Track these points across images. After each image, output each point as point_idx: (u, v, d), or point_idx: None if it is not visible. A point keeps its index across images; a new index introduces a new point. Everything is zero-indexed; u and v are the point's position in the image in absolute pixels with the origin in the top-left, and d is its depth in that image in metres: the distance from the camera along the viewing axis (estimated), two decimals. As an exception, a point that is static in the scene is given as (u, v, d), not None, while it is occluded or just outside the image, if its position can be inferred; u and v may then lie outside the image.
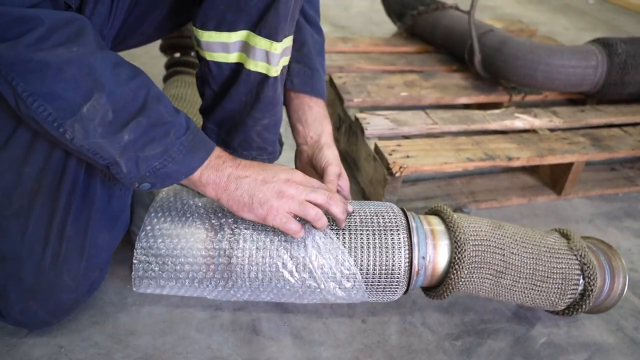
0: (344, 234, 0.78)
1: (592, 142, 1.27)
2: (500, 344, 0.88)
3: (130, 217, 0.87)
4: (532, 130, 1.32)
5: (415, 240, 0.79)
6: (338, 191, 0.91)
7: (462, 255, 0.78)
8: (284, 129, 0.99)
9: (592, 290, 0.82)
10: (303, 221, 0.76)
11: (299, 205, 0.74)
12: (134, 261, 0.77)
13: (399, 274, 0.78)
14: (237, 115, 0.88)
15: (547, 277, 0.81)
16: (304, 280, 0.77)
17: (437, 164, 1.11)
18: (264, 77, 0.82)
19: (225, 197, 0.74)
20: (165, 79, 1.47)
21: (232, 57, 0.82)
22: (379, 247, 0.78)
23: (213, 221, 0.79)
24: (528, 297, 0.83)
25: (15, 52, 0.59)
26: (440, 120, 1.27)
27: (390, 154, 1.11)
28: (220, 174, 0.73)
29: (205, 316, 0.88)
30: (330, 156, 0.92)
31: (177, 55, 1.51)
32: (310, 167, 0.96)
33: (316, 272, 0.76)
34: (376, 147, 1.15)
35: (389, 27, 2.23)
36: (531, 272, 0.81)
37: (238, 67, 0.83)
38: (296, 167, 1.01)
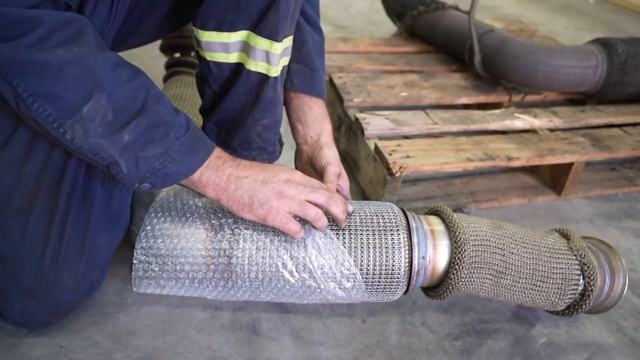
0: (344, 234, 0.78)
1: (592, 142, 1.27)
2: (500, 344, 0.88)
3: (130, 217, 0.87)
4: (532, 130, 1.32)
5: (415, 240, 0.79)
6: (338, 191, 0.91)
7: (462, 255, 0.78)
8: (284, 129, 0.99)
9: (592, 290, 0.82)
10: (303, 221, 0.76)
11: (298, 205, 0.74)
12: (134, 261, 0.77)
13: (399, 274, 0.78)
14: (237, 115, 0.88)
15: (547, 277, 0.81)
16: (304, 281, 0.77)
17: (437, 164, 1.11)
18: (264, 77, 0.82)
19: (225, 198, 0.74)
20: (165, 79, 1.47)
21: (232, 57, 0.82)
22: (379, 247, 0.78)
23: (213, 221, 0.79)
24: (528, 297, 0.83)
25: (16, 52, 0.59)
26: (440, 120, 1.27)
27: (390, 154, 1.11)
28: (220, 174, 0.73)
29: (205, 316, 0.88)
30: (330, 156, 0.92)
31: (177, 55, 1.51)
32: (310, 166, 0.96)
33: (316, 272, 0.76)
34: (376, 147, 1.15)
35: (389, 27, 2.23)
36: (531, 272, 0.81)
37: (238, 67, 0.83)
38: (296, 167, 1.01)
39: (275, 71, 0.82)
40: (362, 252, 0.77)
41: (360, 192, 1.26)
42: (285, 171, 0.77)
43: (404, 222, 0.80)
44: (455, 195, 1.25)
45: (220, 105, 0.87)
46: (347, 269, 0.77)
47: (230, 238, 0.77)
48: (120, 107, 0.65)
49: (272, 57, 0.80)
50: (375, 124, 1.23)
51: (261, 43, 0.78)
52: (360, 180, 1.27)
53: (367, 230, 0.79)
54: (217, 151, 0.75)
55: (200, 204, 0.81)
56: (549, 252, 0.83)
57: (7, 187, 0.70)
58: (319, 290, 0.77)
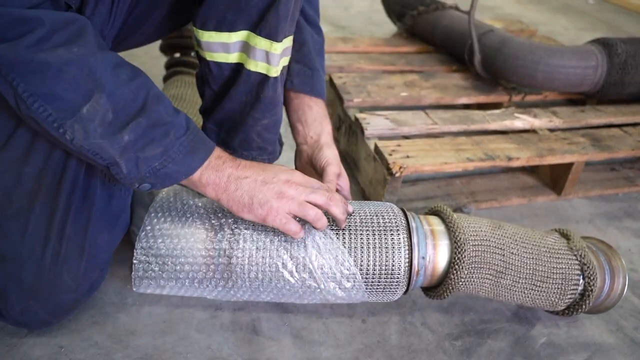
0: (344, 234, 0.78)
1: (592, 142, 1.27)
2: (500, 344, 0.88)
3: (130, 217, 0.87)
4: (532, 131, 1.32)
5: (415, 240, 0.79)
6: (338, 191, 0.91)
7: (462, 255, 0.78)
8: (284, 129, 0.99)
9: (592, 290, 0.82)
10: (303, 221, 0.76)
11: (298, 206, 0.74)
12: (134, 261, 0.77)
13: (399, 274, 0.78)
14: (237, 115, 0.88)
15: (547, 277, 0.81)
16: (304, 281, 0.77)
17: (437, 164, 1.11)
18: (264, 77, 0.82)
19: (225, 198, 0.74)
20: (165, 79, 1.47)
21: (232, 57, 0.82)
22: (379, 247, 0.78)
23: (213, 221, 0.79)
24: (528, 297, 0.83)
25: (16, 52, 0.59)
26: (440, 121, 1.28)
27: (390, 154, 1.11)
28: (220, 174, 0.73)
29: (205, 316, 0.88)
30: (330, 156, 0.92)
31: (177, 55, 1.51)
32: (310, 166, 0.96)
33: (316, 272, 0.76)
34: (376, 147, 1.15)
35: (389, 27, 2.23)
36: (531, 272, 0.81)
37: (238, 67, 0.83)
38: (296, 167, 1.01)
39: (275, 71, 0.82)
40: (362, 252, 0.77)
41: (360, 192, 1.26)
42: (285, 171, 0.77)
43: (404, 222, 0.80)
44: (455, 195, 1.25)
45: (220, 105, 0.87)
46: (347, 269, 0.77)
47: (230, 238, 0.77)
48: (120, 108, 0.65)
49: (272, 57, 0.80)
50: (375, 124, 1.23)
51: (261, 43, 0.78)
52: (360, 180, 1.27)
53: (367, 230, 0.79)
54: (217, 151, 0.75)
55: (200, 204, 0.81)
56: (549, 252, 0.83)
57: (7, 187, 0.70)
58: (319, 290, 0.77)
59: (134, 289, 0.78)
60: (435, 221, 0.84)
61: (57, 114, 0.62)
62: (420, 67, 1.62)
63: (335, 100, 1.41)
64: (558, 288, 0.82)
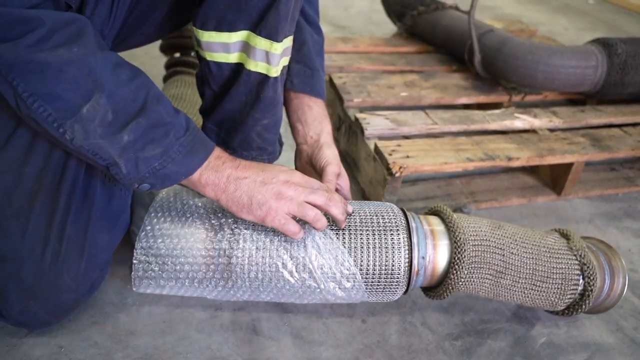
0: (343, 234, 0.78)
1: (592, 142, 1.27)
2: (500, 344, 0.88)
3: (130, 217, 0.87)
4: (532, 131, 1.32)
5: (415, 240, 0.79)
6: (337, 190, 0.91)
7: (461, 255, 0.78)
8: (284, 129, 0.99)
9: (591, 290, 0.82)
10: (303, 222, 0.76)
11: (297, 206, 0.74)
12: (134, 261, 0.77)
13: (399, 274, 0.78)
14: (237, 115, 0.88)
15: (547, 277, 0.81)
16: (303, 281, 0.77)
17: (437, 164, 1.11)
18: (264, 77, 0.82)
19: (225, 198, 0.74)
20: (165, 79, 1.47)
21: (233, 57, 0.82)
22: (379, 247, 0.78)
23: (213, 221, 0.79)
24: (528, 297, 0.83)
25: (16, 52, 0.59)
26: (440, 121, 1.28)
27: (390, 154, 1.11)
28: (220, 174, 0.73)
29: (205, 316, 0.88)
30: (330, 155, 0.92)
31: (177, 55, 1.51)
32: (310, 166, 0.96)
33: (316, 272, 0.76)
34: (376, 147, 1.15)
35: (389, 27, 2.23)
36: (531, 272, 0.81)
37: (238, 67, 0.83)
38: (296, 167, 1.01)
39: (275, 71, 0.82)
40: (362, 252, 0.77)
41: (360, 192, 1.26)
42: (284, 172, 0.76)
43: (403, 222, 0.80)
44: (455, 195, 1.25)
45: (220, 105, 0.87)
46: (347, 269, 0.77)
47: (230, 238, 0.77)
48: (120, 108, 0.65)
49: (272, 57, 0.80)
50: (375, 124, 1.23)
51: (261, 43, 0.78)
52: (360, 180, 1.27)
53: (367, 230, 0.79)
54: (217, 151, 0.75)
55: (200, 204, 0.81)
56: (549, 252, 0.83)
57: (7, 187, 0.70)
58: (318, 290, 0.77)
59: (134, 289, 0.78)
60: (435, 221, 0.84)
61: (57, 114, 0.62)
62: (420, 67, 1.62)
63: (335, 100, 1.41)
64: (558, 288, 0.82)
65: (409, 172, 1.09)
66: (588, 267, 0.82)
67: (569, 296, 0.83)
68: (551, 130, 1.33)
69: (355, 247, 0.78)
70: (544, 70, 1.37)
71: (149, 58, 1.78)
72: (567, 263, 0.82)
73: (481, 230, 0.82)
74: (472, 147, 1.19)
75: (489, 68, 1.47)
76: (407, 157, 1.11)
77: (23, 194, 0.71)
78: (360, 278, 0.77)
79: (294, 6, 0.79)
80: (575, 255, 0.83)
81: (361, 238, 0.78)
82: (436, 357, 0.84)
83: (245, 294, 0.79)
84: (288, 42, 0.83)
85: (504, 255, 0.80)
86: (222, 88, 0.86)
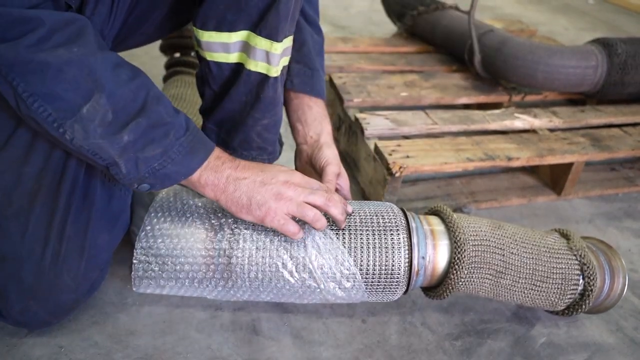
0: (343, 234, 0.78)
1: (592, 142, 1.27)
2: (500, 344, 0.88)
3: (130, 217, 0.87)
4: (532, 131, 1.32)
5: (415, 240, 0.79)
6: (337, 190, 0.91)
7: (461, 255, 0.78)
8: (284, 129, 0.99)
9: (591, 290, 0.82)
10: (303, 222, 0.76)
11: (297, 207, 0.74)
12: (134, 261, 0.77)
13: (399, 274, 0.78)
14: (237, 115, 0.88)
15: (547, 277, 0.81)
16: (303, 280, 0.77)
17: (437, 164, 1.11)
18: (264, 77, 0.82)
19: (224, 199, 0.74)
20: (165, 79, 1.47)
21: (233, 57, 0.82)
22: (379, 247, 0.78)
23: (213, 221, 0.79)
24: (528, 297, 0.83)
25: (16, 52, 0.59)
26: (440, 121, 1.28)
27: (390, 154, 1.11)
28: (219, 175, 0.73)
29: (205, 316, 0.88)
30: (330, 155, 0.92)
31: (177, 55, 1.51)
32: (310, 166, 0.96)
33: (316, 272, 0.76)
34: (376, 147, 1.15)
35: (389, 27, 2.23)
36: (531, 272, 0.81)
37: (238, 67, 0.83)
38: (296, 167, 1.01)
39: (275, 71, 0.82)
40: (362, 252, 0.77)
41: (360, 192, 1.26)
42: (284, 172, 0.76)
43: (403, 222, 0.80)
44: (455, 195, 1.25)
45: (220, 105, 0.87)
46: (347, 269, 0.77)
47: (230, 238, 0.77)
48: (120, 108, 0.65)
49: (272, 57, 0.80)
50: (375, 124, 1.23)
51: (261, 43, 0.78)
52: (360, 180, 1.27)
53: (367, 230, 0.79)
54: (217, 152, 0.75)
55: (200, 204, 0.81)
56: (549, 252, 0.83)
57: (7, 187, 0.70)
58: (318, 290, 0.77)
59: (134, 289, 0.78)
60: (435, 221, 0.84)
61: (57, 114, 0.62)
62: (420, 67, 1.62)
63: (335, 100, 1.41)
64: (558, 288, 0.82)
65: (409, 172, 1.09)
66: (588, 267, 0.82)
67: (569, 296, 0.83)
68: (551, 130, 1.33)
69: (355, 247, 0.78)
70: (544, 70, 1.37)
71: (149, 58, 1.78)
72: (567, 263, 0.82)
73: (481, 230, 0.82)
74: (472, 147, 1.19)
75: (489, 68, 1.47)
76: (407, 157, 1.11)
77: (23, 194, 0.71)
78: (360, 278, 0.77)
79: (294, 6, 0.79)
80: (575, 255, 0.83)
81: (361, 238, 0.78)
82: (436, 357, 0.84)
83: (245, 294, 0.79)
84: (288, 42, 0.83)
85: (504, 255, 0.80)
86: (222, 88, 0.86)
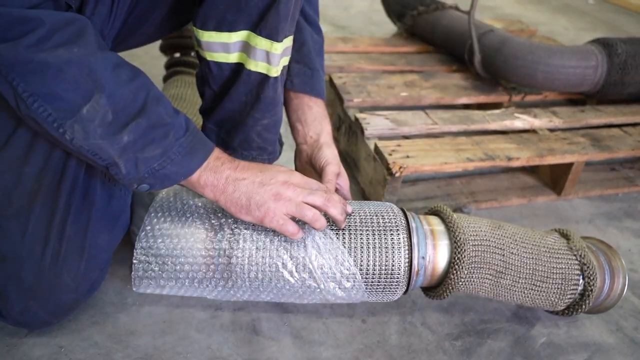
0: (343, 234, 0.78)
1: (592, 142, 1.27)
2: (500, 344, 0.88)
3: (130, 217, 0.87)
4: (532, 131, 1.32)
5: (415, 240, 0.79)
6: (337, 190, 0.91)
7: (461, 255, 0.78)
8: (284, 129, 0.99)
9: (591, 290, 0.82)
10: (303, 222, 0.76)
11: (296, 207, 0.74)
12: (134, 261, 0.77)
13: (399, 274, 0.78)
14: (237, 115, 0.88)
15: (547, 277, 0.81)
16: (303, 280, 0.77)
17: (437, 164, 1.11)
18: (265, 77, 0.82)
19: (223, 199, 0.74)
20: (165, 79, 1.47)
21: (233, 57, 0.82)
22: (379, 247, 0.78)
23: (213, 221, 0.79)
24: (528, 297, 0.83)
25: (16, 52, 0.59)
26: (440, 121, 1.28)
27: (390, 154, 1.11)
28: (219, 175, 0.73)
29: (205, 316, 0.88)
30: (329, 155, 0.92)
31: (177, 55, 1.51)
32: (310, 166, 0.96)
33: (316, 272, 0.76)
34: (376, 147, 1.15)
35: (389, 27, 2.23)
36: (531, 272, 0.81)
37: (238, 67, 0.83)
38: (295, 167, 1.01)
39: (275, 71, 0.82)
40: (362, 252, 0.77)
41: (360, 192, 1.26)
42: (283, 173, 0.76)
43: (403, 222, 0.80)
44: (455, 195, 1.25)
45: (220, 105, 0.87)
46: (347, 269, 0.77)
47: (230, 238, 0.77)
48: (120, 108, 0.65)
49: (272, 57, 0.80)
50: (375, 124, 1.23)
51: (261, 43, 0.78)
52: (360, 180, 1.27)
53: (367, 230, 0.79)
54: (216, 152, 0.75)
55: (200, 204, 0.81)
56: (549, 252, 0.83)
57: (7, 187, 0.70)
58: (318, 290, 0.77)
59: (134, 289, 0.78)
60: (435, 221, 0.84)
61: (57, 114, 0.62)
62: (420, 67, 1.62)
63: (335, 100, 1.41)
64: (558, 288, 0.82)
65: (409, 172, 1.09)
66: (588, 267, 0.82)
67: (569, 296, 0.83)
68: (551, 130, 1.33)
69: (355, 247, 0.78)
70: (544, 70, 1.37)
71: (149, 58, 1.78)
72: (567, 263, 0.82)
73: (481, 230, 0.82)
74: (472, 147, 1.19)
75: (489, 68, 1.47)
76: (407, 157, 1.11)
77: (23, 194, 0.71)
78: (360, 278, 0.77)
79: (294, 6, 0.79)
80: (575, 255, 0.83)
81: (361, 238, 0.78)
82: (436, 357, 0.84)
83: (245, 294, 0.79)
84: (288, 42, 0.83)
85: (504, 255, 0.80)
86: (222, 88, 0.86)
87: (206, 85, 0.87)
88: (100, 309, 0.87)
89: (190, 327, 0.85)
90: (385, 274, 0.78)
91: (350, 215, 0.80)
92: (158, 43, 1.51)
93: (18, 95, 0.61)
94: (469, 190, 1.27)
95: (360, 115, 1.26)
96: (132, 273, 0.77)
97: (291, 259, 0.76)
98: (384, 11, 2.06)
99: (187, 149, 0.70)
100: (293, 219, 0.75)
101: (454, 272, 0.79)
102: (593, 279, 0.82)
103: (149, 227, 0.78)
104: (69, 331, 0.82)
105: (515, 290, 0.82)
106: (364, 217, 0.81)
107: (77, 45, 0.63)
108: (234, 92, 0.84)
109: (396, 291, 0.80)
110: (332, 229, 0.79)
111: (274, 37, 0.77)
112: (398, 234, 0.79)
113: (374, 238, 0.78)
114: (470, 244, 0.79)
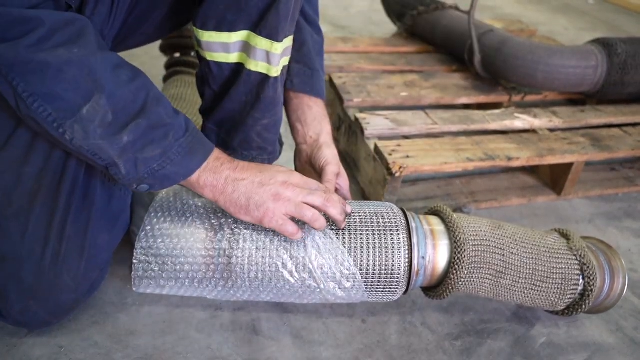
0: (343, 234, 0.78)
1: (592, 142, 1.27)
2: (500, 344, 0.88)
3: (130, 217, 0.87)
4: (532, 131, 1.32)
5: (415, 240, 0.79)
6: (337, 190, 0.91)
7: (461, 255, 0.78)
8: (284, 129, 0.99)
9: (591, 290, 0.82)
10: (303, 222, 0.76)
11: (295, 207, 0.74)
12: (134, 261, 0.77)
13: (399, 274, 0.78)
14: (237, 115, 0.88)
15: (547, 277, 0.81)
16: (303, 280, 0.77)
17: (437, 164, 1.11)
18: (265, 77, 0.82)
19: (223, 200, 0.74)
20: (165, 79, 1.47)
21: (233, 57, 0.82)
22: (379, 247, 0.78)
23: (213, 221, 0.79)
24: (528, 297, 0.83)
25: (16, 52, 0.59)
26: (440, 121, 1.28)
27: (390, 154, 1.11)
28: (218, 176, 0.73)
29: (205, 316, 0.88)
30: (329, 155, 0.92)
31: (177, 55, 1.51)
32: (310, 166, 0.96)
33: (316, 272, 0.76)
34: (376, 147, 1.15)
35: (389, 27, 2.23)
36: (531, 272, 0.81)
37: (238, 67, 0.83)
38: (295, 167, 1.01)
39: (275, 71, 0.82)
40: (362, 252, 0.77)
41: (360, 192, 1.26)
42: (283, 173, 0.76)
43: (403, 222, 0.80)
44: (455, 195, 1.25)
45: (220, 105, 0.87)
46: (347, 269, 0.77)
47: (230, 238, 0.77)
48: (120, 109, 0.65)
49: (272, 57, 0.80)
50: (375, 124, 1.23)
51: (261, 43, 0.78)
52: (360, 180, 1.27)
53: (367, 230, 0.79)
54: (216, 153, 0.75)
55: (200, 204, 0.81)
56: (549, 252, 0.83)
57: (7, 187, 0.70)
58: (318, 290, 0.77)
59: (134, 289, 0.78)
60: (435, 221, 0.84)
61: (57, 114, 0.62)
62: (420, 67, 1.62)
63: (335, 100, 1.41)
64: (558, 288, 0.82)
65: (409, 172, 1.09)
66: (588, 267, 0.82)
67: (569, 296, 0.83)
68: (551, 130, 1.33)
69: (355, 247, 0.78)
70: (544, 70, 1.37)
71: (149, 58, 1.78)
72: (567, 263, 0.82)
73: (481, 230, 0.82)
74: (472, 147, 1.19)
75: (489, 68, 1.47)
76: (407, 157, 1.11)
77: (23, 194, 0.71)
78: (360, 278, 0.77)
79: (294, 6, 0.79)
80: (575, 255, 0.83)
81: (361, 238, 0.78)
82: (436, 357, 0.84)
83: (245, 294, 0.79)
84: (288, 42, 0.83)
85: (504, 255, 0.80)
86: (222, 88, 0.86)
87: (206, 85, 0.87)
88: (100, 309, 0.87)
89: (190, 327, 0.85)
90: (385, 274, 0.78)
91: (350, 215, 0.80)
92: (158, 43, 1.51)
93: (18, 95, 0.61)
94: (469, 190, 1.27)
95: (360, 115, 1.26)
96: (132, 273, 0.77)
97: (291, 259, 0.76)
98: (384, 11, 2.06)
99: (187, 149, 0.70)
100: (293, 219, 0.75)
101: (454, 272, 0.79)
102: (593, 279, 0.82)
103: (149, 227, 0.78)
104: (69, 331, 0.82)
105: (515, 290, 0.82)
106: (363, 217, 0.81)
107: (77, 45, 0.63)
108: (234, 92, 0.84)
109: (396, 291, 0.80)
110: (332, 229, 0.79)
111: (274, 37, 0.77)
112: (398, 234, 0.79)
113: (374, 238, 0.78)
114: (470, 244, 0.79)
